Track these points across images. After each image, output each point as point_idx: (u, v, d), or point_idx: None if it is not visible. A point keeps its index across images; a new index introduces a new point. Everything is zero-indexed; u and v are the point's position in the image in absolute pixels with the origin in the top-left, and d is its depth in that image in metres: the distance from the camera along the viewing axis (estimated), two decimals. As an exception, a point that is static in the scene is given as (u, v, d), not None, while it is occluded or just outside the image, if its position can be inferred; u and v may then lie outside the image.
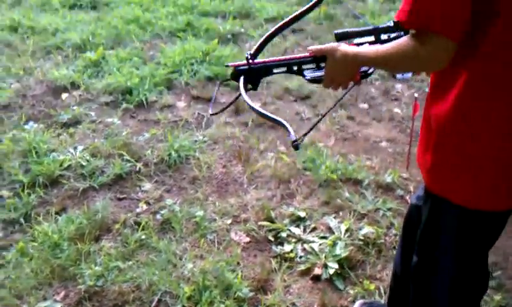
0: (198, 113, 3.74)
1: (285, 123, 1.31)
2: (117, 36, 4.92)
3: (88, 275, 2.37)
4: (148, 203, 2.88)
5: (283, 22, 1.54)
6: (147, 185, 3.02)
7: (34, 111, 3.79)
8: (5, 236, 2.66)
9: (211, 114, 1.78)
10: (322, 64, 1.42)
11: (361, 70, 1.43)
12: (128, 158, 3.19)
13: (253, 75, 1.43)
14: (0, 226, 2.72)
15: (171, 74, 4.21)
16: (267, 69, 1.44)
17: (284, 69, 1.45)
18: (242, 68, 1.43)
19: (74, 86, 4.09)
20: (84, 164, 3.15)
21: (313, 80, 1.44)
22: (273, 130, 3.52)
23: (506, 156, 1.22)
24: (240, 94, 1.43)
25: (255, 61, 1.45)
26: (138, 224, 2.69)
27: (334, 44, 1.39)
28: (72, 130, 3.53)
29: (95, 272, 2.38)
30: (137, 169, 3.14)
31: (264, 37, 1.53)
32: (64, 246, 2.53)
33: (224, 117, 3.66)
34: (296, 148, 1.27)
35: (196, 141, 3.39)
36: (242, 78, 1.43)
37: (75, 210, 2.80)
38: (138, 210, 2.82)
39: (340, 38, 1.40)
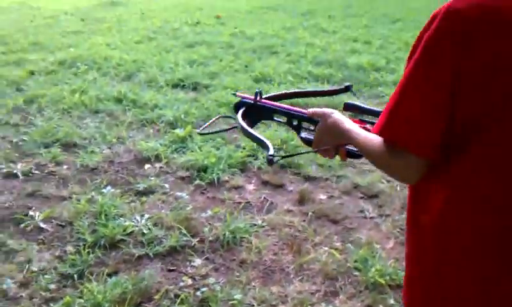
0: (264, 198, 3.82)
1: (266, 141, 1.30)
2: (207, 117, 5.22)
3: (118, 339, 2.46)
4: (193, 279, 2.95)
5: (306, 91, 1.59)
6: (197, 261, 3.10)
7: (116, 177, 4.09)
8: (58, 288, 2.84)
9: (198, 133, 1.80)
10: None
11: (350, 148, 1.38)
12: (185, 232, 3.31)
13: (255, 111, 1.46)
14: (56, 279, 2.91)
15: (247, 157, 4.36)
16: (269, 111, 1.46)
17: (284, 119, 1.45)
18: (247, 101, 1.47)
19: (158, 158, 4.36)
20: (145, 232, 3.32)
21: (305, 141, 1.43)
22: (332, 225, 3.50)
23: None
24: (235, 126, 1.46)
25: (262, 100, 1.48)
26: (178, 297, 2.76)
27: (330, 110, 1.37)
28: (144, 198, 3.75)
29: (125, 337, 2.46)
30: (192, 244, 3.24)
31: (283, 92, 1.56)
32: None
33: (288, 204, 3.71)
34: (271, 162, 1.25)
35: (254, 224, 3.46)
36: (242, 109, 1.47)
37: (125, 274, 2.94)
38: (182, 284, 2.90)
39: (347, 108, 1.41)
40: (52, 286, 2.86)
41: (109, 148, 4.59)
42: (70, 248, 3.20)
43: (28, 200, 3.75)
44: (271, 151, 1.26)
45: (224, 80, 6.25)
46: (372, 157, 1.22)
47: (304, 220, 3.53)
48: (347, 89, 1.56)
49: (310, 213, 3.58)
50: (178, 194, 3.83)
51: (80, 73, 6.60)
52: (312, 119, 1.41)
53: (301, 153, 1.57)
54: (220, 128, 1.62)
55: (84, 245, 3.18)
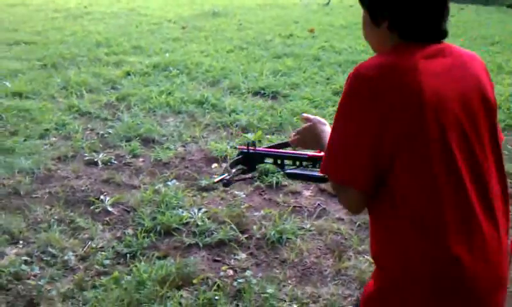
0: (318, 204, 3.91)
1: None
2: (280, 124, 5.38)
3: (153, 314, 2.68)
4: (234, 270, 3.12)
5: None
6: (241, 255, 3.27)
7: (184, 172, 4.36)
8: (111, 264, 3.13)
9: (214, 182, 2.05)
10: (304, 163, 1.61)
11: None
12: (235, 228, 3.49)
13: (250, 159, 1.77)
14: (111, 256, 3.20)
15: (309, 165, 4.45)
16: (261, 157, 1.77)
17: (271, 160, 1.75)
18: (243, 150, 1.79)
19: (225, 159, 4.59)
20: (199, 223, 3.54)
21: (290, 175, 1.68)
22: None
23: None
24: (252, 177, 1.78)
25: (255, 148, 1.79)
26: (216, 284, 2.94)
27: (324, 120, 1.62)
28: (204, 194, 3.98)
29: (160, 313, 2.68)
30: (240, 239, 3.41)
31: (274, 144, 1.87)
32: (148, 285, 2.89)
33: (340, 213, 3.77)
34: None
35: (302, 228, 3.56)
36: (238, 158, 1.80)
37: (172, 259, 3.16)
38: (222, 274, 3.08)
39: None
40: (107, 262, 3.15)
41: (183, 146, 4.89)
42: (129, 231, 3.49)
43: (102, 186, 4.12)
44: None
45: (303, 91, 6.38)
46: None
47: (352, 229, 3.58)
48: None
49: (358, 223, 3.62)
50: (237, 192, 4.01)
51: (171, 77, 7.03)
52: (300, 158, 1.70)
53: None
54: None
55: (142, 229, 3.46)
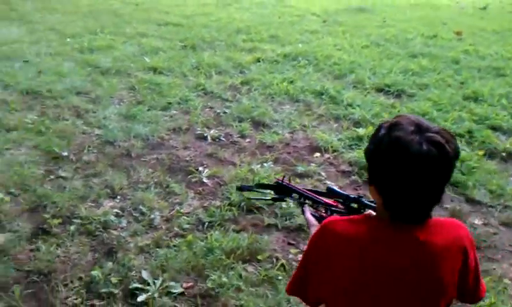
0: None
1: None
2: (395, 122, 5.18)
3: (212, 280, 2.78)
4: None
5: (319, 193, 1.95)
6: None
7: (284, 157, 4.42)
8: (190, 229, 3.30)
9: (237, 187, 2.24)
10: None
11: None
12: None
13: (280, 190, 2.01)
14: (192, 222, 3.37)
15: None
16: (289, 191, 1.98)
17: (297, 196, 1.95)
18: (279, 181, 2.02)
19: (328, 150, 4.55)
20: (283, 206, 3.57)
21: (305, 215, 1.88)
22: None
23: None
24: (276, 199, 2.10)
25: (286, 182, 2.01)
26: (279, 262, 2.97)
27: (315, 223, 1.79)
28: (298, 180, 4.00)
29: (220, 280, 2.78)
30: (319, 227, 3.38)
31: (299, 187, 1.99)
32: (216, 253, 3.00)
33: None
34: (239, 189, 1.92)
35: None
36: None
37: (247, 234, 3.24)
38: (290, 256, 3.09)
39: (329, 192, 1.85)
40: (186, 226, 3.32)
41: (291, 133, 4.94)
42: (216, 202, 3.64)
43: (204, 159, 4.32)
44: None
45: (431, 93, 6.08)
46: None
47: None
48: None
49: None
50: (330, 183, 3.97)
51: (298, 66, 7.09)
52: (317, 202, 1.90)
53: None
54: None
55: (228, 203, 3.58)
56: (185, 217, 3.42)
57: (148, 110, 5.29)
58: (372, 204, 1.69)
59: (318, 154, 4.53)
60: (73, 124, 4.84)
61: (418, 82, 6.55)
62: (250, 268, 2.97)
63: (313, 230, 1.69)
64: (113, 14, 10.52)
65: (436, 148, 1.24)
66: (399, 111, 5.47)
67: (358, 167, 4.24)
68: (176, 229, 3.29)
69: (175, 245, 3.10)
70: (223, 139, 4.76)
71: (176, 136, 4.74)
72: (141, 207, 3.51)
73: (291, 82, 6.36)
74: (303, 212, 1.89)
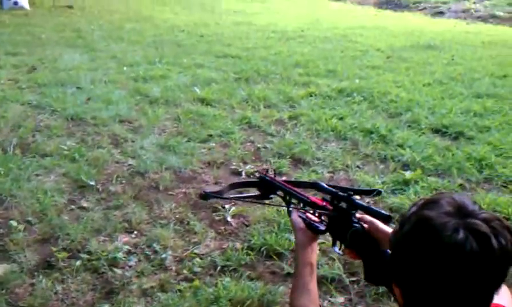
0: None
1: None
2: (449, 168, 4.76)
3: None
4: (321, 312, 2.79)
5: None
6: (338, 299, 2.95)
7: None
8: (201, 272, 3.07)
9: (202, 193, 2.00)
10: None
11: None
12: (341, 267, 3.14)
13: (264, 186, 1.79)
14: (206, 264, 3.14)
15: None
16: (273, 187, 1.77)
17: (282, 194, 1.73)
18: (262, 176, 1.82)
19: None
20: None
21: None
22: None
23: None
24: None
25: (270, 177, 1.79)
26: None
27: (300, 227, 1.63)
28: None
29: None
30: (344, 281, 3.07)
31: (285, 183, 1.76)
32: (221, 303, 2.75)
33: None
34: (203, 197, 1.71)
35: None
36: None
37: (261, 283, 2.97)
38: None
39: (316, 187, 1.65)
40: (197, 269, 3.11)
41: (331, 173, 4.64)
42: (236, 244, 3.39)
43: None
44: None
45: (492, 136, 5.58)
46: None
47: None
48: (378, 193, 1.78)
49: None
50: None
51: (351, 102, 6.78)
52: (304, 201, 1.69)
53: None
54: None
55: (248, 246, 3.33)
56: (198, 260, 3.20)
57: (187, 141, 5.16)
58: (363, 206, 1.48)
59: (357, 197, 4.17)
60: (109, 152, 4.77)
61: (480, 124, 6.05)
62: (257, 323, 2.69)
63: (299, 236, 1.61)
64: (176, 44, 10.65)
65: (477, 240, 0.93)
66: (453, 155, 5.02)
67: (398, 215, 3.86)
68: (185, 272, 3.07)
69: (179, 290, 2.87)
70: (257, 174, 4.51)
71: (209, 170, 4.56)
72: (154, 245, 3.32)
73: (341, 118, 6.06)
74: (289, 213, 1.71)
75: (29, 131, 5.18)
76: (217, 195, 1.82)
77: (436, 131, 5.85)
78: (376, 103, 6.80)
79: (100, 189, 4.06)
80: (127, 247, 3.27)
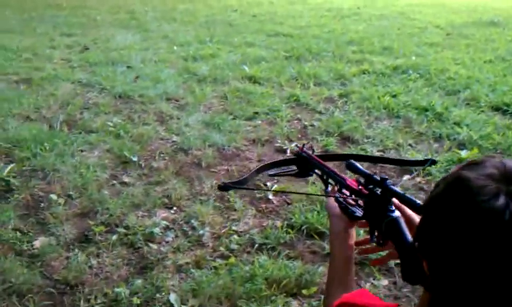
0: None
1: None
2: (509, 147, 4.45)
3: None
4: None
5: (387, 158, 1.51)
6: (382, 282, 2.78)
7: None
8: (238, 250, 2.96)
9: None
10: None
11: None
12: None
13: (302, 163, 1.57)
14: (244, 242, 3.03)
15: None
16: (311, 165, 1.56)
17: (319, 173, 1.53)
18: (300, 153, 1.59)
19: (420, 173, 3.98)
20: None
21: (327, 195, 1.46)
22: None
23: None
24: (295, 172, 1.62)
25: (306, 153, 1.57)
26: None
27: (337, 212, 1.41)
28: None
29: None
30: (388, 264, 2.88)
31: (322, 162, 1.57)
32: (257, 282, 2.64)
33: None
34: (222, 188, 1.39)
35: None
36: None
37: (299, 262, 2.83)
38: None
39: (349, 167, 1.41)
40: (234, 247, 3.00)
41: (382, 151, 4.42)
42: (277, 222, 3.26)
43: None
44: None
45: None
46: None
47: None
48: (432, 162, 1.59)
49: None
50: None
51: (406, 80, 6.48)
52: (340, 183, 1.47)
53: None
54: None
55: (289, 225, 3.20)
56: (236, 237, 3.09)
57: (233, 119, 5.05)
58: (397, 192, 1.25)
59: (408, 176, 3.97)
60: (154, 129, 4.73)
61: (545, 102, 5.64)
62: (294, 304, 2.55)
63: (334, 222, 1.41)
64: (228, 24, 10.56)
65: None
66: (514, 133, 4.69)
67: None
68: (222, 249, 2.97)
69: (215, 267, 2.78)
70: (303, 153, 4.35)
71: (253, 147, 4.44)
72: (193, 221, 3.23)
73: (394, 96, 5.79)
74: (326, 195, 1.52)
75: (77, 108, 5.21)
76: (237, 185, 1.64)
77: (496, 109, 5.49)
78: (432, 80, 6.47)
79: (143, 165, 4.02)
80: (164, 222, 3.20)
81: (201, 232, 3.12)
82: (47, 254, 2.86)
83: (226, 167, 4.05)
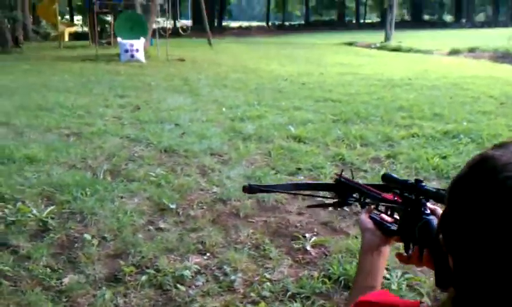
0: None
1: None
2: None
3: None
4: None
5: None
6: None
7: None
8: (270, 297, 2.81)
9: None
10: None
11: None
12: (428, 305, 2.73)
13: (341, 189, 1.50)
14: (277, 290, 2.88)
15: None
16: (349, 189, 1.50)
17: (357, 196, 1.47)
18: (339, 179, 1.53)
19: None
20: (393, 287, 2.92)
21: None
22: None
23: None
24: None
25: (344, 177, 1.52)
26: None
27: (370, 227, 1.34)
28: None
29: None
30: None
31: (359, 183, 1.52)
32: None
33: None
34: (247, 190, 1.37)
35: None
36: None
37: None
38: None
39: (385, 179, 1.35)
40: (266, 294, 2.86)
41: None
42: (314, 273, 3.10)
43: (317, 227, 3.86)
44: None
45: None
46: None
47: None
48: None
49: None
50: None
51: (457, 144, 6.27)
52: (376, 198, 1.41)
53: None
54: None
55: (326, 275, 3.04)
56: (268, 284, 2.95)
57: (275, 173, 4.98)
58: (432, 191, 1.17)
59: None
60: (195, 181, 4.71)
61: None
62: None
63: (366, 237, 1.33)
64: (277, 91, 10.69)
65: None
66: None
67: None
68: (253, 295, 2.83)
69: (243, 313, 2.63)
70: (346, 208, 4.21)
71: (294, 201, 4.33)
72: (225, 267, 3.12)
73: (444, 157, 5.60)
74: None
75: (123, 160, 5.28)
76: (263, 188, 1.57)
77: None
78: (484, 144, 6.23)
79: (180, 213, 3.97)
80: (196, 266, 3.10)
81: (232, 277, 3.00)
82: (74, 291, 2.80)
83: (264, 219, 3.95)
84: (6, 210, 3.82)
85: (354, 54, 21.29)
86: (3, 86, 10.07)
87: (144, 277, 2.93)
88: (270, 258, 3.28)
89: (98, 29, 21.63)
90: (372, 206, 1.44)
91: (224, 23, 48.70)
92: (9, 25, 21.22)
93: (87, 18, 24.87)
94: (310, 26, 49.10)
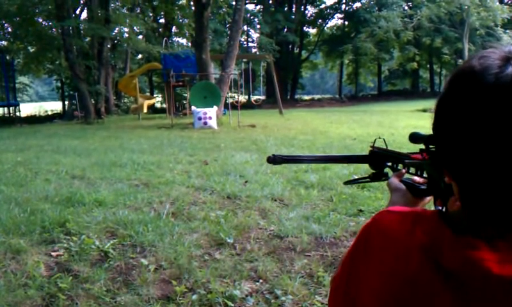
0: None
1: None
2: None
3: None
4: None
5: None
6: None
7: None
8: (319, 317, 2.73)
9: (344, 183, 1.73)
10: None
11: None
12: None
13: (375, 161, 1.50)
14: (326, 311, 2.81)
15: None
16: (383, 158, 1.49)
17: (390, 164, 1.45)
18: (373, 150, 1.51)
19: None
20: None
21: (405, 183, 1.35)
22: None
23: None
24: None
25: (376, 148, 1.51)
26: None
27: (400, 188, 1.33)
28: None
29: None
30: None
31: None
32: None
33: None
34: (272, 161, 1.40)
35: None
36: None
37: None
38: None
39: (411, 138, 1.27)
40: (315, 313, 2.77)
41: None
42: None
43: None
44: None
45: None
46: None
47: None
48: None
49: None
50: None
51: None
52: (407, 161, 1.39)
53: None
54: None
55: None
56: (319, 305, 2.87)
57: (335, 214, 4.92)
58: None
59: None
60: (254, 220, 4.74)
61: None
62: None
63: (394, 198, 1.32)
64: (344, 148, 10.69)
65: None
66: None
67: None
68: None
69: (290, 331, 2.58)
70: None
71: (353, 238, 4.23)
72: (276, 291, 3.09)
73: None
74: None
75: (186, 204, 5.42)
76: (289, 159, 1.56)
77: None
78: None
79: (237, 247, 3.99)
80: (247, 288, 3.09)
81: (283, 299, 2.95)
82: None
83: (321, 253, 3.89)
84: (71, 243, 4.00)
85: (427, 118, 20.87)
86: (83, 148, 10.70)
87: (195, 296, 2.96)
88: (324, 285, 3.21)
89: (175, 102, 22.68)
90: (403, 170, 1.42)
91: (296, 96, 49.54)
92: (93, 100, 22.71)
93: (165, 92, 26.19)
94: (383, 95, 48.95)
